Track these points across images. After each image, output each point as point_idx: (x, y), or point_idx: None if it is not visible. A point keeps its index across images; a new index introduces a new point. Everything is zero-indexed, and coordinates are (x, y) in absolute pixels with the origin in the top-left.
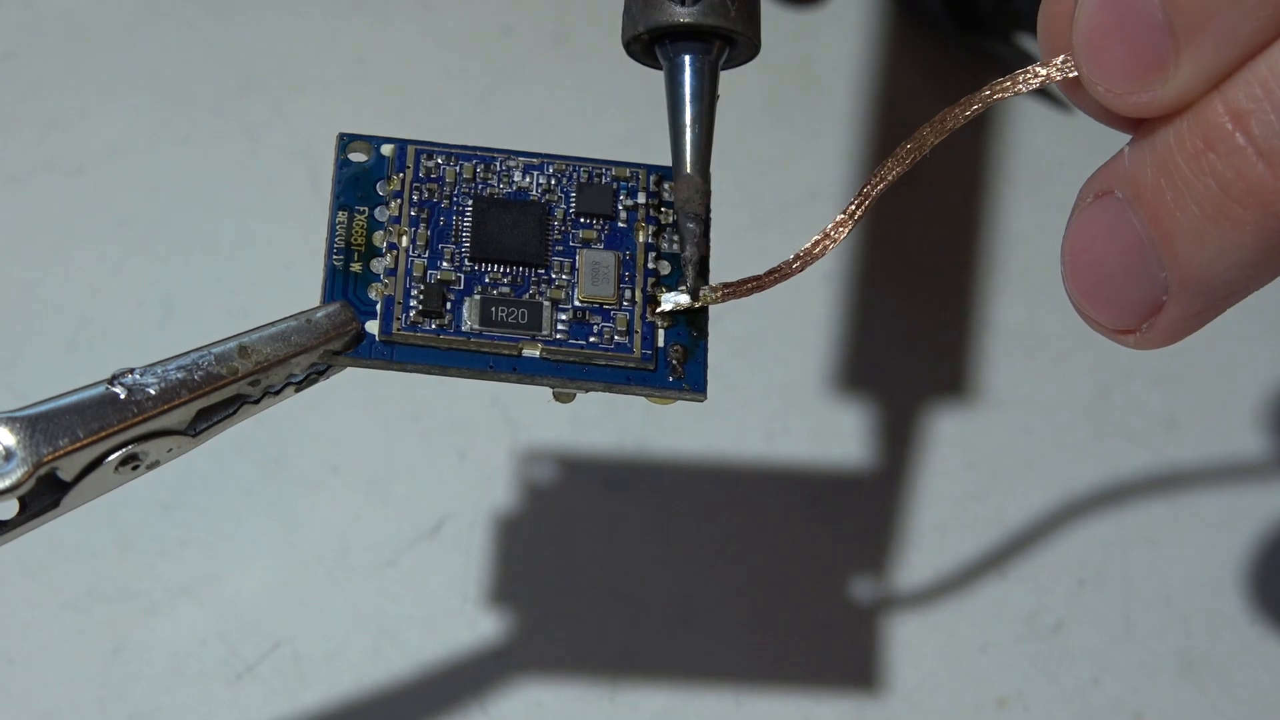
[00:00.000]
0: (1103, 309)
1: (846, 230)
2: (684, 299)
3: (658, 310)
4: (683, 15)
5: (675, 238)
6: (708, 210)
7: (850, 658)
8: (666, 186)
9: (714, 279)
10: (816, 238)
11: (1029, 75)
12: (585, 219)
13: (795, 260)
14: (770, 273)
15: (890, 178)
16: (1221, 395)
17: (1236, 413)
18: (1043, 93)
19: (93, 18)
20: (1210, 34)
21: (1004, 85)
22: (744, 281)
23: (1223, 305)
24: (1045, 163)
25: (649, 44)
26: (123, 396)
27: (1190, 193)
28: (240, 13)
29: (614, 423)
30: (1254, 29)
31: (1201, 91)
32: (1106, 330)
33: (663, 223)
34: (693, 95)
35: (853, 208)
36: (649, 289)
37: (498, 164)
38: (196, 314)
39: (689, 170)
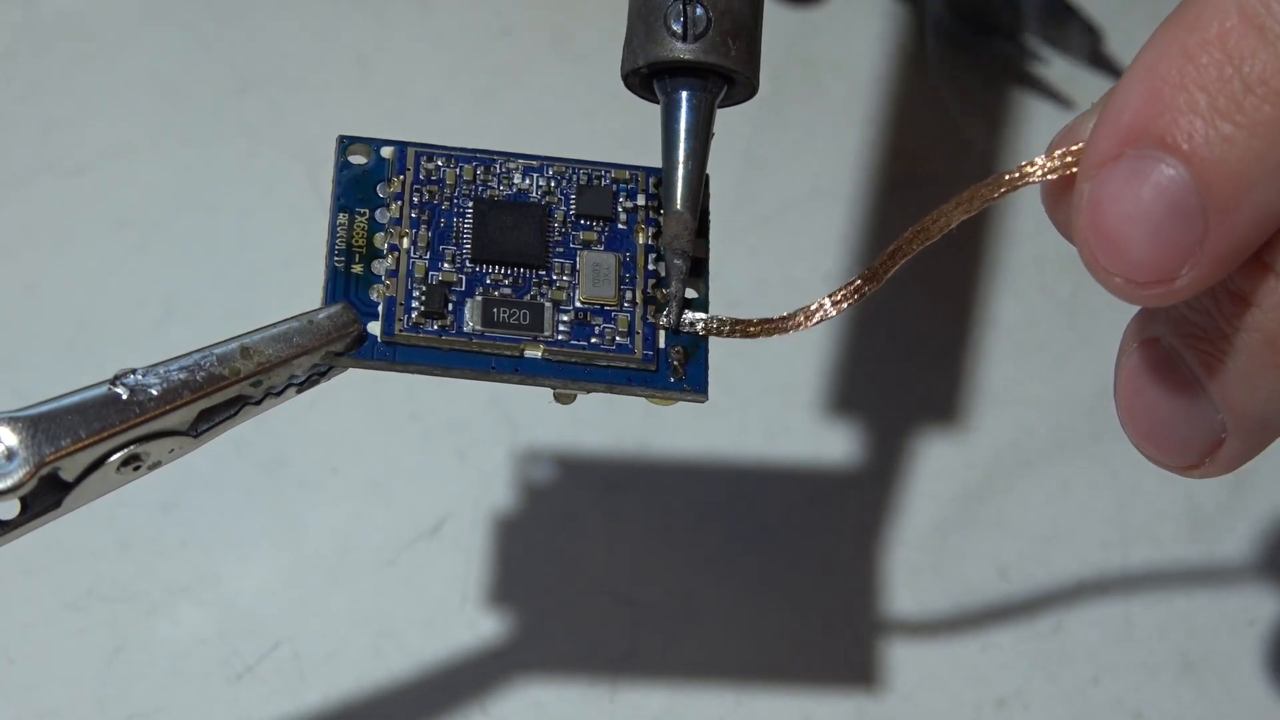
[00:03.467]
0: (1164, 451)
1: (832, 314)
2: (698, 323)
3: (664, 317)
4: (683, 52)
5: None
6: (693, 242)
7: (850, 658)
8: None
9: (714, 280)
10: (816, 304)
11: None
12: (585, 221)
13: (792, 321)
14: (763, 322)
15: (915, 250)
16: None
17: None
18: (1043, 91)
19: (93, 18)
20: (1246, 212)
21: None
22: (741, 323)
23: None
24: None
25: (647, 78)
26: (125, 397)
27: (1238, 345)
28: (240, 14)
29: (614, 423)
30: None
31: (1229, 271)
32: (1169, 467)
33: (662, 225)
34: (688, 131)
35: (865, 277)
36: (649, 290)
37: (498, 166)
38: (196, 314)
39: (679, 207)
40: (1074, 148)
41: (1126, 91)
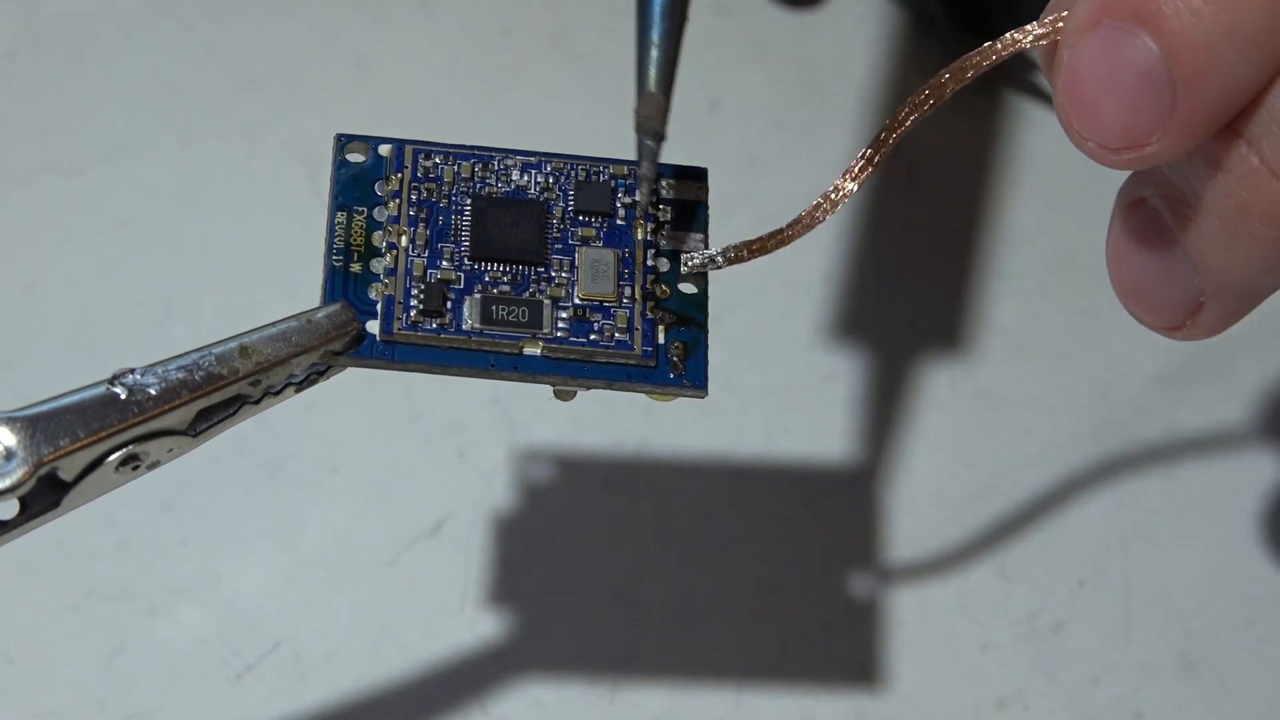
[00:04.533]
0: (1146, 310)
1: (865, 177)
2: (697, 259)
3: (688, 266)
4: None
5: (674, 235)
6: (665, 124)
7: (850, 658)
8: (664, 184)
9: (713, 280)
10: (836, 182)
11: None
12: (584, 217)
13: (816, 210)
14: (792, 224)
15: (911, 124)
16: (1221, 395)
17: (1236, 412)
18: (1041, 95)
19: (93, 18)
20: (1213, 84)
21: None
22: (762, 240)
23: (1258, 301)
24: (1045, 163)
25: None
26: (123, 397)
27: (1213, 209)
28: (240, 14)
29: (614, 422)
30: (1255, 74)
31: (1202, 139)
32: (1153, 327)
33: (661, 220)
34: (662, 13)
35: (866, 156)
36: (648, 285)
37: (495, 163)
38: (196, 314)
39: (651, 87)
40: (1062, 14)
41: None
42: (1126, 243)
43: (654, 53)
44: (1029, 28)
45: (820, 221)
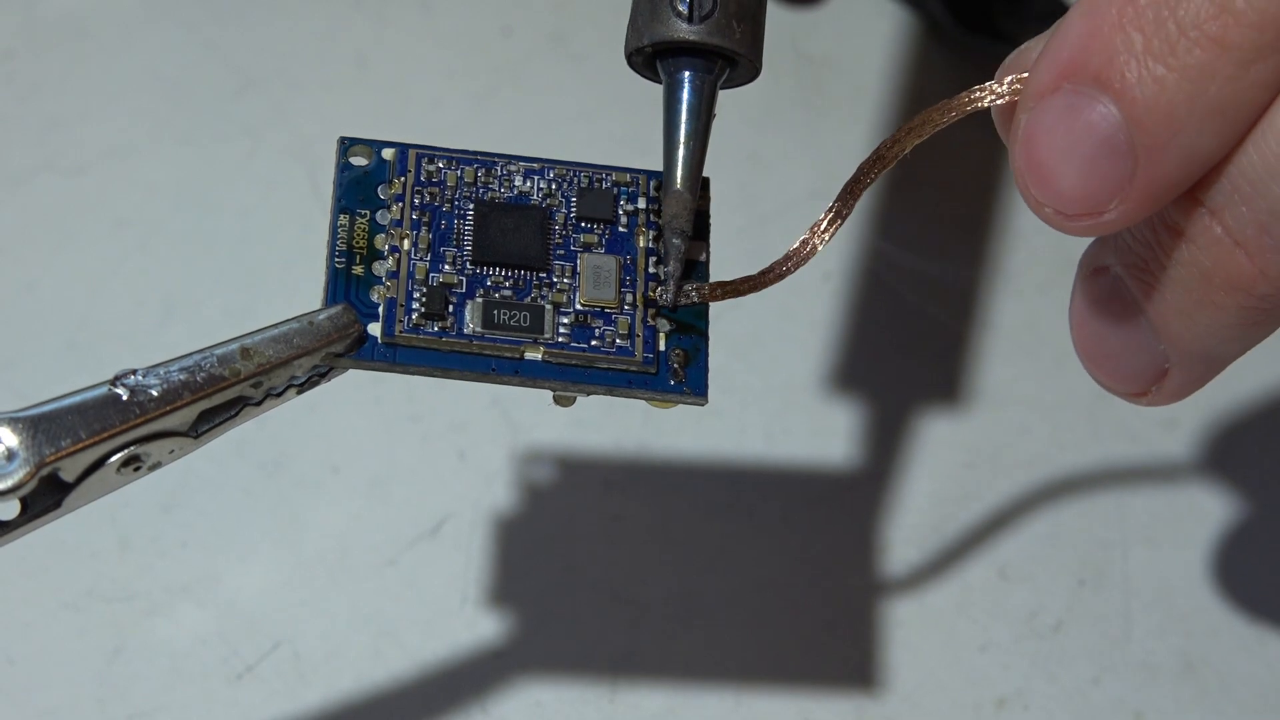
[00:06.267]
0: (1110, 377)
1: (834, 231)
2: (692, 292)
3: (662, 295)
4: (688, 33)
5: (664, 244)
6: (699, 223)
7: (850, 658)
8: None
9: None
10: (804, 237)
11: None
12: (586, 223)
13: (785, 262)
14: (763, 273)
15: (874, 178)
16: (1221, 395)
17: (1236, 413)
18: None
19: (93, 18)
20: (1174, 152)
21: (983, 92)
22: (734, 283)
23: (1222, 366)
24: None
25: (651, 57)
26: (125, 397)
27: (1176, 278)
28: (240, 14)
29: (614, 424)
30: (1216, 144)
31: (1159, 207)
32: (1117, 393)
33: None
34: (690, 112)
35: (834, 210)
36: (650, 293)
37: (499, 168)
38: (196, 314)
39: (679, 186)
40: (1022, 75)
41: (1069, 27)
42: (1089, 311)
43: (681, 151)
44: (989, 85)
45: (769, 284)
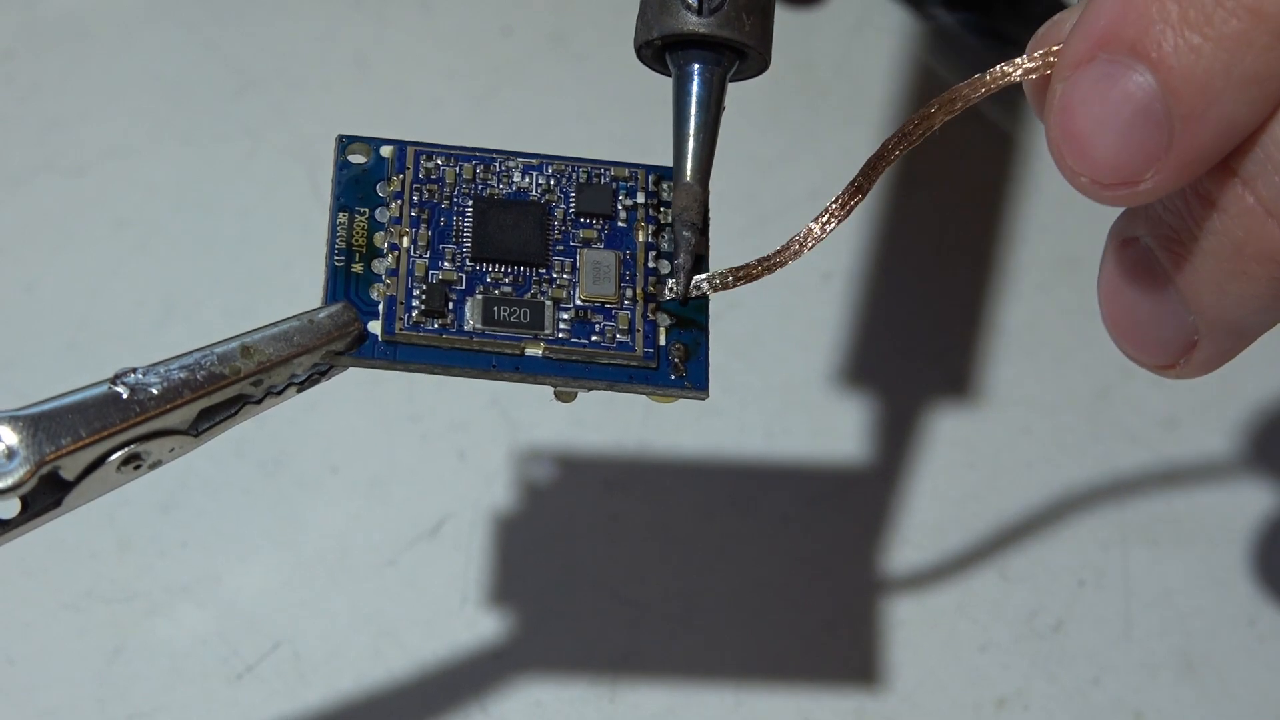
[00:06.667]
0: (1139, 349)
1: (839, 221)
2: (702, 283)
3: (669, 290)
4: (698, 25)
5: (674, 237)
6: (706, 217)
7: (850, 658)
8: (665, 186)
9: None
10: (810, 227)
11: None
12: (585, 219)
13: (802, 241)
14: (761, 261)
15: (899, 155)
16: (1221, 395)
17: (1236, 413)
18: None
19: (93, 18)
20: (1210, 121)
21: (982, 81)
22: (737, 270)
23: (1252, 339)
24: (1046, 162)
25: (660, 50)
26: (125, 396)
27: (1207, 248)
28: (240, 14)
29: (614, 422)
30: (1252, 113)
31: (1195, 176)
32: (1145, 365)
33: (662, 222)
34: (699, 105)
35: (855, 186)
36: (649, 288)
37: (497, 165)
38: (196, 314)
39: (689, 179)
40: (1054, 48)
41: None
42: (1119, 281)
43: (691, 144)
44: (1019, 61)
45: (787, 263)
